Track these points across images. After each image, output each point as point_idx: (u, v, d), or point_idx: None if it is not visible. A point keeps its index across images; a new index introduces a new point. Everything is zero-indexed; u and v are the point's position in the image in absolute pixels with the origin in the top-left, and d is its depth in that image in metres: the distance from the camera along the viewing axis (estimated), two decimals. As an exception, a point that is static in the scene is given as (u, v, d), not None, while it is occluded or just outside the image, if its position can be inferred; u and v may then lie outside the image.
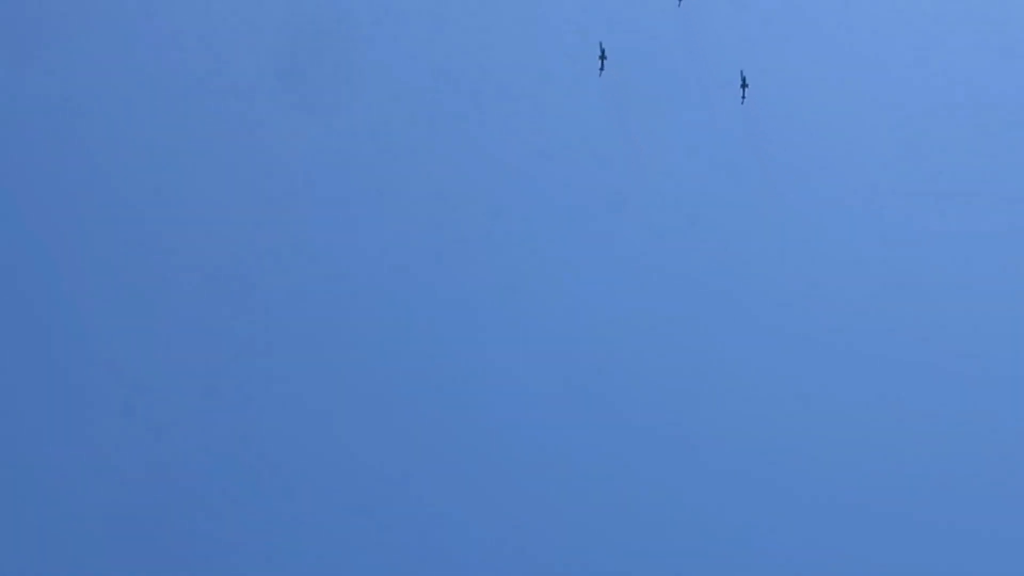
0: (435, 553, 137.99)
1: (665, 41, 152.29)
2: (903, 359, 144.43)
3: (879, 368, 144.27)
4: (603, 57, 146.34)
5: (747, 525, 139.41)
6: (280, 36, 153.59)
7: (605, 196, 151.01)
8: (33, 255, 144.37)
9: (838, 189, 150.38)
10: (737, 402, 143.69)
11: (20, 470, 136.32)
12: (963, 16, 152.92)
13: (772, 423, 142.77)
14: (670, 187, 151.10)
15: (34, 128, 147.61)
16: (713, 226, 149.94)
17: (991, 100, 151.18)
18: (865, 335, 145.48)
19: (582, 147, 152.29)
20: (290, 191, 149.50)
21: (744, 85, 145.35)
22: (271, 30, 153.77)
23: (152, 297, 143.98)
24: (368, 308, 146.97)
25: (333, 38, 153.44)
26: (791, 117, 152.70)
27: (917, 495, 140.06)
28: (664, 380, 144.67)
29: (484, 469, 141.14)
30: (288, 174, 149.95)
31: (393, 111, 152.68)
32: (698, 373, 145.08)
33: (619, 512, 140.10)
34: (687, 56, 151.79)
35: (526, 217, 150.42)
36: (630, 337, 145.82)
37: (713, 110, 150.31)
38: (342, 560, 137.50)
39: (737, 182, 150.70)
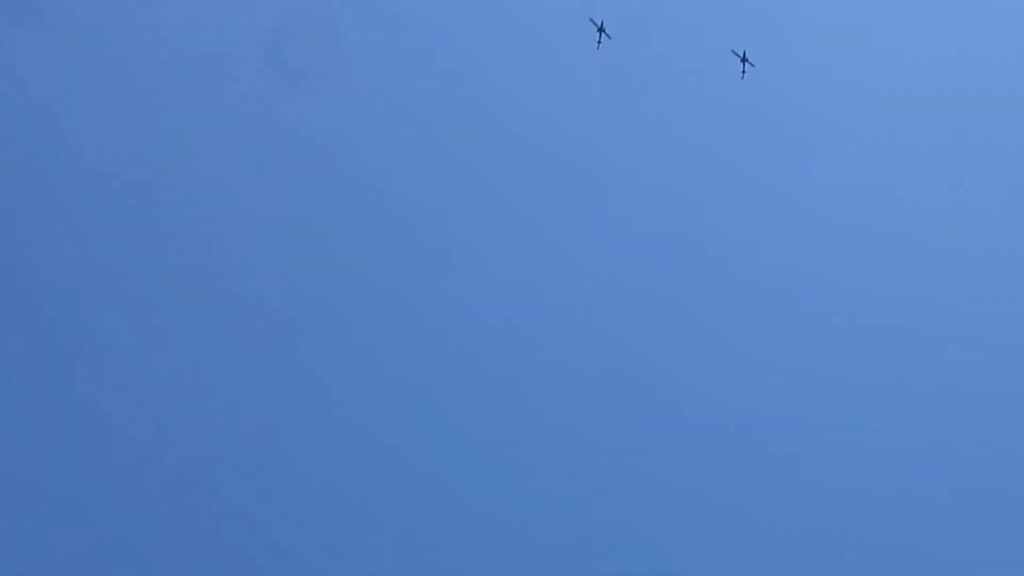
0: (436, 552, 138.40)
1: (665, 39, 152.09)
2: (903, 359, 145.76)
3: (879, 367, 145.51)
4: (601, 30, 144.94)
5: (748, 524, 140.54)
6: (270, 21, 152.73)
7: (602, 186, 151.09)
8: (31, 252, 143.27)
9: (838, 187, 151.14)
10: (738, 401, 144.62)
11: (20, 470, 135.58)
12: (968, 10, 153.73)
13: (772, 422, 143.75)
14: (669, 180, 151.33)
15: (33, 125, 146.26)
16: (713, 226, 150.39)
17: (995, 97, 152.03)
18: (865, 334, 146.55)
19: (582, 136, 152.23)
20: (289, 185, 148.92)
21: (744, 59, 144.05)
22: (263, 16, 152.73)
23: (152, 296, 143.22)
24: (365, 302, 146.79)
25: (326, 30, 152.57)
26: (791, 113, 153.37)
27: (916, 495, 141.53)
28: (665, 379, 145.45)
29: (484, 467, 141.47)
30: (287, 167, 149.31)
31: (387, 98, 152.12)
32: (699, 372, 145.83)
33: (619, 511, 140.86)
34: (686, 53, 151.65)
35: (526, 211, 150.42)
36: (630, 337, 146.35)
37: (712, 106, 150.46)
38: (342, 560, 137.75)
39: (737, 178, 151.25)
